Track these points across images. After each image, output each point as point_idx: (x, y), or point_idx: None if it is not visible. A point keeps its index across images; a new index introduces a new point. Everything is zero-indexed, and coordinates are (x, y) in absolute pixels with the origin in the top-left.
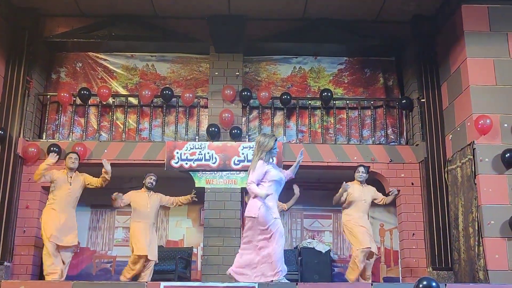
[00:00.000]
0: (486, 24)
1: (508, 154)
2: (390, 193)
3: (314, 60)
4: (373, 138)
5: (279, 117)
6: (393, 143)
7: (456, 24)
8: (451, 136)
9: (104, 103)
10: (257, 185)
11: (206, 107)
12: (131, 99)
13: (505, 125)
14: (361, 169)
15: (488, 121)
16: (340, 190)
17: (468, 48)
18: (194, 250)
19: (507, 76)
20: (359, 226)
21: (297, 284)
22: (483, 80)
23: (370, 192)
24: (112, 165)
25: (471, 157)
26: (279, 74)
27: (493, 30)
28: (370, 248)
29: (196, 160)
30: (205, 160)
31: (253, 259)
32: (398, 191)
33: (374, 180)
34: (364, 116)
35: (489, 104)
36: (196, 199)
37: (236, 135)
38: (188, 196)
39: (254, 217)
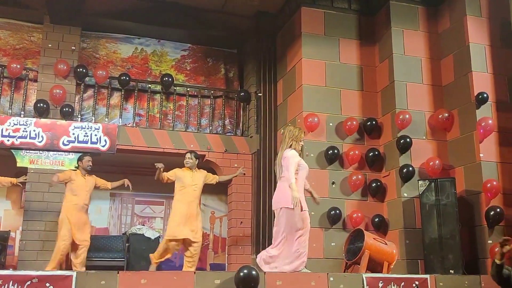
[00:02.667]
0: (321, 28)
1: (331, 151)
2: (237, 172)
3: (157, 43)
4: (210, 127)
5: (116, 98)
6: (229, 134)
7: (295, 25)
8: (282, 130)
9: None
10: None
11: (35, 80)
12: None
13: (331, 124)
14: (188, 155)
15: (316, 119)
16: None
17: (304, 49)
18: (12, 234)
19: (336, 78)
20: (176, 215)
21: (118, 272)
22: (314, 80)
23: (202, 177)
24: None
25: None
26: (120, 53)
27: (327, 35)
28: (177, 238)
29: (19, 137)
30: (30, 138)
31: (290, 250)
32: (244, 174)
33: (208, 168)
34: (204, 104)
35: (318, 103)
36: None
37: (67, 114)
38: None
39: (291, 208)
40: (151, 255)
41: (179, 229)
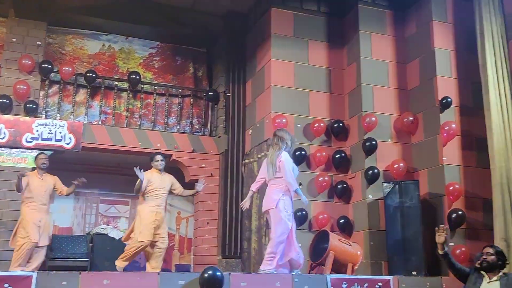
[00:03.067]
0: (291, 29)
1: (298, 152)
2: (196, 188)
3: (125, 40)
4: (178, 127)
5: (82, 95)
6: (197, 133)
7: (265, 25)
8: (251, 131)
9: None
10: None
11: None
12: None
13: (299, 125)
14: (159, 157)
15: (284, 120)
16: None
17: (273, 50)
18: None
19: (304, 80)
20: (149, 219)
21: (80, 273)
22: (283, 81)
23: (169, 181)
24: None
25: (267, 152)
26: (86, 49)
27: (296, 36)
28: (145, 241)
29: None
30: None
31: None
32: (196, 192)
33: (175, 168)
34: (172, 103)
35: (287, 104)
36: None
37: (31, 110)
38: None
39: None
40: (117, 261)
41: (149, 232)
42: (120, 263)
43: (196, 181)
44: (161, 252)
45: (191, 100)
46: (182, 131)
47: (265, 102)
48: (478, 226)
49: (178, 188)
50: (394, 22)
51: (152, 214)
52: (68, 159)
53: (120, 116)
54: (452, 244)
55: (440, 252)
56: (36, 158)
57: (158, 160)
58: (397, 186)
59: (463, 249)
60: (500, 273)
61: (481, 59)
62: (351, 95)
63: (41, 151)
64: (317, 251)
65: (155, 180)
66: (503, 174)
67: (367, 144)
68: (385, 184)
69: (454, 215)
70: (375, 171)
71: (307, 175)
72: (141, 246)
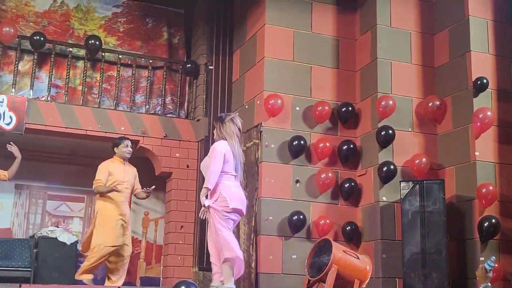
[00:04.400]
0: None
1: (296, 142)
2: (147, 188)
3: None
4: (147, 106)
5: (26, 63)
6: (170, 115)
7: None
8: (237, 114)
9: None
10: None
11: None
12: None
13: (297, 108)
14: (128, 142)
15: (279, 101)
16: None
17: (268, 12)
18: None
19: (306, 52)
20: (114, 217)
21: (20, 286)
22: (279, 53)
23: (133, 174)
24: None
25: (257, 141)
26: (33, 6)
27: None
28: (116, 246)
29: None
30: None
31: None
32: (148, 193)
33: (142, 158)
34: (140, 77)
35: (283, 82)
36: None
37: None
38: None
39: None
40: (79, 275)
41: (118, 233)
42: (84, 276)
43: (170, 174)
44: (124, 261)
45: (164, 73)
46: (152, 112)
47: (256, 79)
48: None
49: (137, 185)
50: None
51: (116, 212)
52: (7, 143)
53: (74, 91)
54: (482, 258)
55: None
56: None
57: (127, 146)
58: (417, 186)
59: (496, 265)
60: None
61: None
62: (363, 72)
63: None
64: (317, 264)
65: (118, 172)
66: None
67: (382, 133)
68: (403, 184)
69: (486, 224)
70: (391, 167)
71: (306, 171)
72: (109, 251)
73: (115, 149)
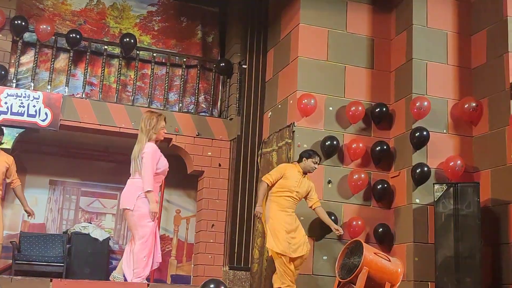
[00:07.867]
0: None
1: (329, 142)
2: None
3: None
4: (180, 104)
5: (62, 61)
6: (203, 114)
7: None
8: (270, 113)
9: None
10: None
11: None
12: None
13: (330, 108)
14: (318, 160)
15: (312, 101)
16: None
17: (303, 11)
18: None
19: (340, 52)
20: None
21: (51, 280)
22: (314, 52)
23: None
24: None
25: (289, 141)
26: (70, 5)
27: None
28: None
29: None
30: None
31: None
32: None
33: (175, 156)
34: (173, 75)
35: (317, 82)
36: None
37: (0, 77)
38: None
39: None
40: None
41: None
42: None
43: (201, 172)
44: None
45: (198, 71)
46: (185, 111)
47: (290, 78)
48: None
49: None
50: None
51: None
52: (42, 140)
53: (109, 88)
54: None
55: None
56: None
57: (316, 163)
58: (451, 189)
59: None
60: None
61: None
62: (398, 72)
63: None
64: (348, 266)
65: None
66: None
67: (417, 135)
68: (436, 186)
69: None
70: (425, 169)
71: (338, 171)
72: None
73: (303, 158)
